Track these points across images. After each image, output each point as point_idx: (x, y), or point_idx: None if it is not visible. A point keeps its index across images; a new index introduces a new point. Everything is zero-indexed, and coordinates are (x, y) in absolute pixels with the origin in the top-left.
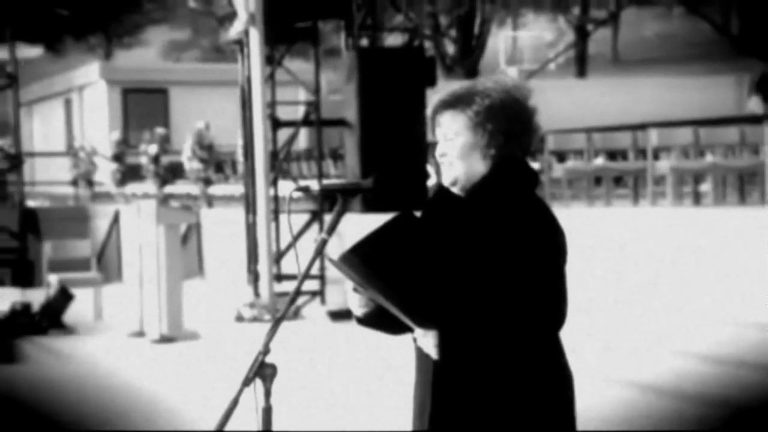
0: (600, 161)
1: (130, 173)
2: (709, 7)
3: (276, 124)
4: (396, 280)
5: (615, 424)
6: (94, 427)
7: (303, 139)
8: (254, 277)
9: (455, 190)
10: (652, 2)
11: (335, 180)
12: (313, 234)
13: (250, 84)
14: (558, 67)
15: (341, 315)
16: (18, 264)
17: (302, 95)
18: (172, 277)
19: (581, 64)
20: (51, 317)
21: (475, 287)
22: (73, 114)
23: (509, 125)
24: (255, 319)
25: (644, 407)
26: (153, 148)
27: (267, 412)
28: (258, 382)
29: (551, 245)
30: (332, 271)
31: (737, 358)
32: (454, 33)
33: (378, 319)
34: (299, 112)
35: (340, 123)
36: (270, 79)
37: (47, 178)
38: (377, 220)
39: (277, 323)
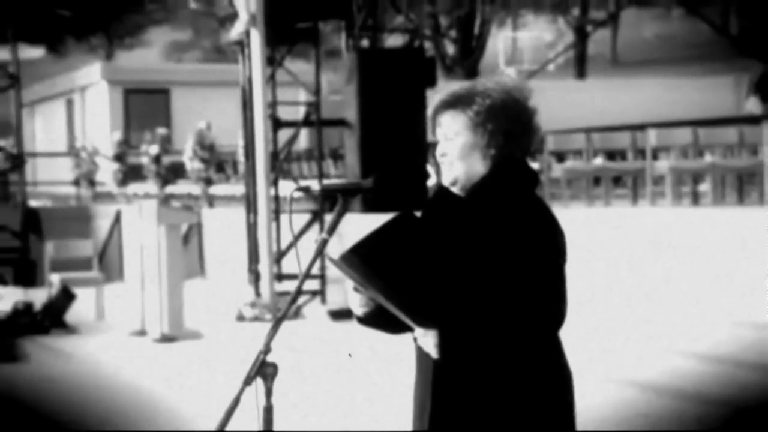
0: (599, 161)
1: (131, 173)
2: (708, 8)
3: (277, 124)
4: (396, 280)
5: (614, 423)
6: (95, 426)
7: (303, 139)
8: (255, 276)
9: (455, 190)
10: (651, 3)
11: (336, 180)
12: (314, 234)
13: (251, 84)
14: (557, 67)
15: (342, 314)
16: (20, 263)
17: (303, 96)
18: (174, 276)
19: (581, 65)
20: (53, 317)
21: (475, 287)
22: (75, 114)
23: (509, 125)
24: (256, 319)
25: (644, 407)
26: (154, 149)
27: (268, 411)
28: (259, 381)
29: (551, 245)
30: (333, 271)
31: (736, 358)
32: (454, 34)
33: (378, 319)
34: (300, 112)
35: (341, 123)
36: (271, 80)
37: (49, 178)
38: (377, 220)
39: (278, 322)
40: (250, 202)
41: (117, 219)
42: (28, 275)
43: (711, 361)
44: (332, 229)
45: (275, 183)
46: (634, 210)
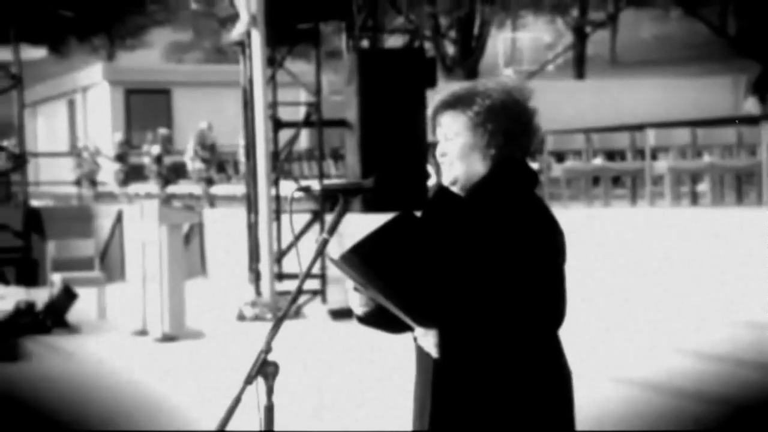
0: (598, 161)
1: (133, 173)
2: (706, 9)
3: (277, 124)
4: (396, 280)
5: (614, 422)
6: (96, 425)
7: (304, 139)
8: (256, 276)
9: (455, 189)
10: (649, 4)
11: (336, 180)
12: (314, 234)
13: (252, 85)
14: (557, 68)
15: (342, 314)
16: (22, 263)
17: (303, 96)
18: (175, 276)
19: (580, 66)
20: (55, 316)
21: (474, 286)
22: (77, 115)
23: (509, 126)
24: (257, 318)
25: (643, 405)
26: (156, 149)
27: (269, 410)
28: (260, 381)
29: (550, 245)
30: (333, 271)
31: (736, 357)
32: (454, 34)
33: (378, 318)
34: (300, 112)
35: (341, 123)
36: (271, 80)
37: (51, 178)
38: (377, 220)
39: (278, 322)
40: (250, 202)
41: (118, 219)
42: (29, 275)
43: (711, 359)
44: (333, 229)
45: (276, 183)
46: (633, 210)
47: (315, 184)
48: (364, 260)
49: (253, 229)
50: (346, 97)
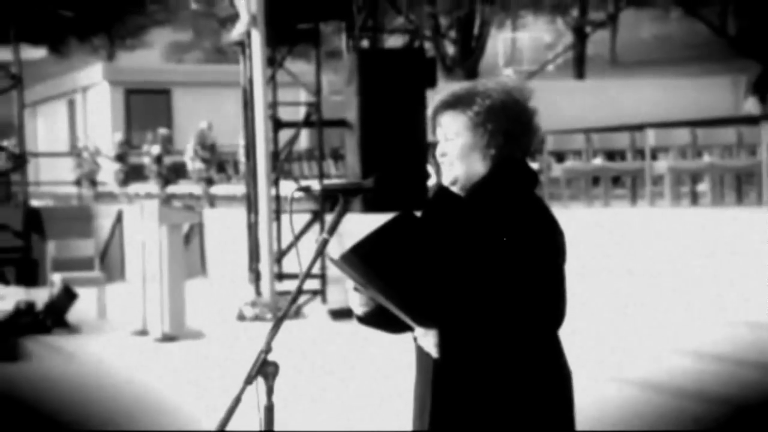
0: (598, 161)
1: (133, 173)
2: (706, 9)
3: (277, 124)
4: (396, 280)
5: (614, 422)
6: (97, 425)
7: (304, 139)
8: (256, 276)
9: (455, 189)
10: (649, 4)
11: (336, 180)
12: (314, 234)
13: (252, 85)
14: (557, 68)
15: (342, 314)
16: (22, 263)
17: (303, 96)
18: (175, 276)
19: (580, 66)
20: (55, 316)
21: (474, 286)
22: (77, 115)
23: (509, 126)
24: (257, 318)
25: (643, 405)
26: (156, 149)
27: (269, 410)
28: (260, 381)
29: (550, 245)
30: (333, 271)
31: (736, 357)
32: (454, 34)
33: (378, 318)
34: (300, 112)
35: (341, 124)
36: (271, 80)
37: (51, 178)
38: (377, 220)
39: (278, 322)
40: (250, 202)
41: (118, 219)
42: (29, 275)
43: (711, 359)
44: (333, 229)
45: (276, 183)
46: (633, 210)
47: (315, 184)
48: (364, 260)
49: (253, 229)
50: (346, 97)
